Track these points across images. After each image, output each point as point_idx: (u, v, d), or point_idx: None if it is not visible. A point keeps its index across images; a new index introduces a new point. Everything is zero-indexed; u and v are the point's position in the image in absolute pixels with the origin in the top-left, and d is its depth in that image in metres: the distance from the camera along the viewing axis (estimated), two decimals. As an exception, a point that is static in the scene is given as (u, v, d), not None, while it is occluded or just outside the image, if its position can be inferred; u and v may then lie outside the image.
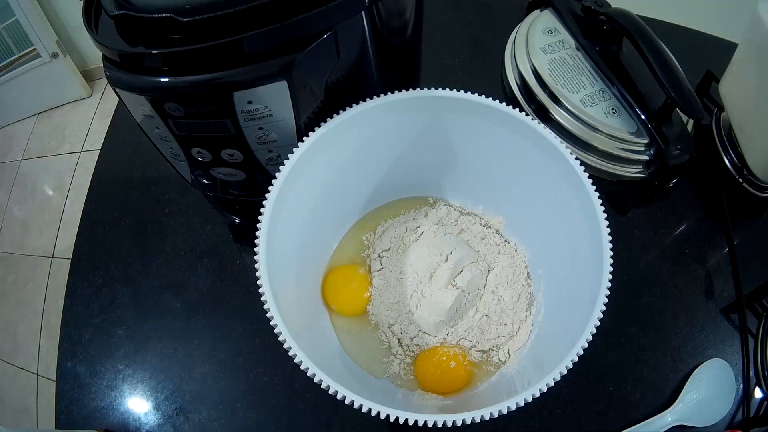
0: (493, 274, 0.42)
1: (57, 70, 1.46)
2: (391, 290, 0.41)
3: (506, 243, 0.44)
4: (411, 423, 0.28)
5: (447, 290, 0.40)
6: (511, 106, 0.37)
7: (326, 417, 0.41)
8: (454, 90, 0.38)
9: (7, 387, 1.16)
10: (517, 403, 0.28)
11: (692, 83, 0.48)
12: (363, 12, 0.34)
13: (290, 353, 0.29)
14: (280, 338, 0.29)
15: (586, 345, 0.30)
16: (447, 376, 0.38)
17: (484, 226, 0.45)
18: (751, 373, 0.43)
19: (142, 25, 0.31)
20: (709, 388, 0.42)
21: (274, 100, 0.33)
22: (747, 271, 0.48)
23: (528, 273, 0.42)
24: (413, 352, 0.40)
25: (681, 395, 0.42)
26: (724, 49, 0.55)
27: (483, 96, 0.38)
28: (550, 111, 0.51)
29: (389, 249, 0.43)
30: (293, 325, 0.31)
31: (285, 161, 0.35)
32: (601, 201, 0.34)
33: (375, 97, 0.37)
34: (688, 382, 0.42)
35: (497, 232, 0.45)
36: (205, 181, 0.43)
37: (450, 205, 0.46)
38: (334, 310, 0.42)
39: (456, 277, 0.40)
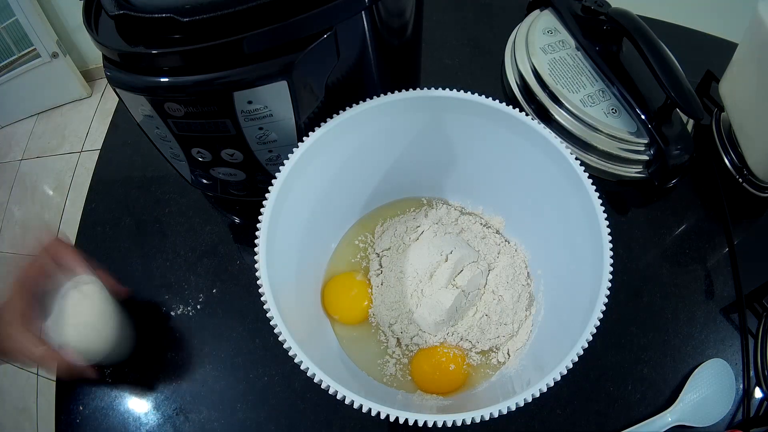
0: (494, 273, 0.42)
1: (57, 70, 1.46)
2: (392, 289, 0.41)
3: (506, 243, 0.44)
4: (411, 423, 0.28)
5: (447, 290, 0.39)
6: (511, 106, 0.37)
7: (326, 417, 0.41)
8: (454, 90, 0.38)
9: (7, 387, 1.16)
10: (516, 404, 0.28)
11: (692, 83, 0.48)
12: (363, 12, 0.34)
13: (290, 353, 0.29)
14: (281, 338, 0.29)
15: (586, 345, 0.30)
16: (444, 377, 0.38)
17: (484, 225, 0.45)
18: (751, 373, 0.43)
19: (142, 25, 0.31)
20: (709, 388, 0.42)
21: (274, 100, 0.33)
22: (747, 271, 0.48)
23: (528, 273, 0.42)
24: (411, 352, 0.40)
25: (681, 395, 0.42)
26: (724, 49, 0.55)
27: (483, 96, 0.38)
28: (550, 111, 0.51)
29: (389, 248, 0.43)
30: (293, 325, 0.31)
31: (285, 161, 0.35)
32: (601, 201, 0.34)
33: (375, 97, 0.37)
34: (688, 382, 0.42)
35: (497, 232, 0.45)
36: (205, 181, 0.43)
37: (450, 205, 0.46)
38: (336, 320, 0.41)
39: (456, 276, 0.40)
